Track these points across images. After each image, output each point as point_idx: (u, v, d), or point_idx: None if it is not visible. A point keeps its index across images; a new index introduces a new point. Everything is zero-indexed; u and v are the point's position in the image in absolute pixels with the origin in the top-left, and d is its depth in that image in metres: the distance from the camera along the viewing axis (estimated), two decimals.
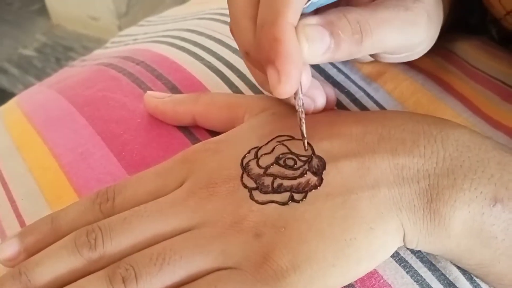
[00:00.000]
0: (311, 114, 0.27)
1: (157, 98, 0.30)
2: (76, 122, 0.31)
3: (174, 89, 0.32)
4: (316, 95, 0.26)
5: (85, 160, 0.29)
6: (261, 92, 0.31)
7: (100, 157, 0.29)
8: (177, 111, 0.29)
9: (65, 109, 0.32)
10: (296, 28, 0.22)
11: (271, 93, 0.22)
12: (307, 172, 0.23)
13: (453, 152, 0.23)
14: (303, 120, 0.24)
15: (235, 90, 0.31)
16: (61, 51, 1.24)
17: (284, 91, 0.21)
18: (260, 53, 0.22)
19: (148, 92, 0.30)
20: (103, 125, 0.30)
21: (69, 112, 0.32)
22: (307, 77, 0.24)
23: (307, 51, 0.22)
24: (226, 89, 0.31)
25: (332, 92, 0.28)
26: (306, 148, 0.24)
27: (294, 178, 0.23)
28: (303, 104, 0.24)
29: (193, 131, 0.29)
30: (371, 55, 0.27)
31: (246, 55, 0.24)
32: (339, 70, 0.32)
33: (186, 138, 0.29)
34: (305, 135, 0.24)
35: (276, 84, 0.21)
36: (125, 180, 0.25)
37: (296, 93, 0.23)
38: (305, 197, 0.22)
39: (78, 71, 0.38)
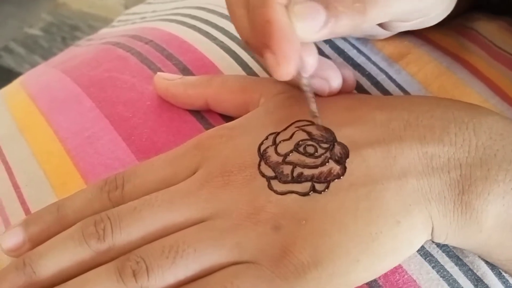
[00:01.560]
0: (330, 98, 0.25)
1: (168, 80, 0.28)
2: (82, 104, 0.29)
3: (185, 71, 0.30)
4: (331, 76, 0.25)
5: (92, 144, 0.27)
6: None
7: (108, 141, 0.27)
8: (188, 94, 0.28)
9: (70, 90, 0.31)
10: (287, 7, 0.20)
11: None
12: (329, 160, 0.21)
13: (486, 141, 0.21)
14: (313, 99, 0.23)
15: (249, 72, 0.30)
16: (67, 30, 1.22)
17: (285, 72, 0.20)
18: (256, 39, 0.21)
19: (159, 73, 0.29)
20: (110, 107, 0.29)
21: (74, 94, 0.30)
22: (312, 57, 0.22)
23: (300, 30, 0.20)
24: (240, 71, 0.30)
25: (350, 74, 0.26)
26: (321, 125, 0.23)
27: (316, 166, 0.21)
28: (308, 83, 0.23)
29: (205, 115, 0.28)
30: (380, 25, 0.25)
31: (247, 44, 0.23)
32: (359, 51, 0.31)
33: (198, 122, 0.28)
34: (316, 114, 0.23)
35: (275, 67, 0.20)
36: (135, 167, 0.24)
37: (299, 73, 0.22)
38: (327, 187, 0.21)
39: (84, 50, 0.37)
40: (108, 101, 0.29)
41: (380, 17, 0.21)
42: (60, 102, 0.30)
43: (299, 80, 0.23)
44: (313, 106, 0.23)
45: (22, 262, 0.21)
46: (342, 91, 0.25)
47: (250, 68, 0.30)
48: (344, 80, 0.25)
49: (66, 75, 0.32)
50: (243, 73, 0.30)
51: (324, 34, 0.21)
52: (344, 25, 0.21)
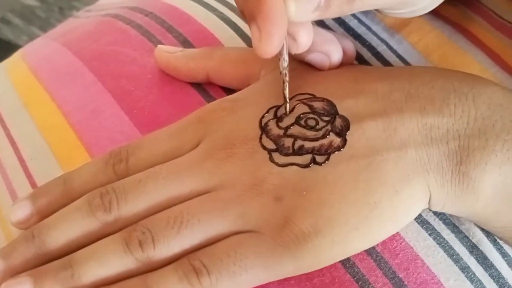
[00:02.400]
0: (332, 70, 0.25)
1: (169, 53, 0.28)
2: (84, 78, 0.30)
3: (186, 43, 0.30)
4: (331, 51, 0.25)
5: (95, 118, 0.28)
6: None
7: (111, 115, 0.28)
8: (190, 67, 0.28)
9: (72, 64, 0.31)
10: None
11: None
12: (330, 133, 0.22)
13: (485, 111, 0.22)
14: (287, 83, 0.23)
15: (251, 44, 0.29)
16: (64, 0, 1.21)
17: (265, 50, 0.20)
18: (247, 10, 0.21)
19: (159, 46, 0.29)
20: (112, 81, 0.29)
21: (76, 67, 0.30)
22: (307, 35, 0.22)
23: (295, 10, 0.20)
24: (240, 43, 0.30)
25: (351, 46, 0.26)
26: (288, 113, 0.23)
27: (316, 139, 0.22)
28: (287, 66, 0.23)
29: (207, 88, 0.28)
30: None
31: (241, 14, 0.23)
32: (360, 21, 0.31)
33: (200, 95, 0.28)
34: (287, 99, 0.23)
35: (257, 43, 0.20)
36: (139, 140, 0.24)
37: (280, 54, 0.22)
38: (327, 159, 0.21)
39: (83, 22, 0.36)
40: (110, 75, 0.29)
41: (366, 6, 0.22)
42: (62, 76, 0.30)
43: (279, 60, 0.23)
44: (286, 92, 0.23)
45: (31, 234, 0.22)
46: (343, 63, 0.25)
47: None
48: (344, 52, 0.25)
49: (67, 48, 0.32)
50: (244, 45, 0.30)
51: (315, 16, 0.21)
52: (332, 11, 0.21)
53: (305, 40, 0.22)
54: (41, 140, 0.28)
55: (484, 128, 0.21)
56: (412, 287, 0.22)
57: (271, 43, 0.20)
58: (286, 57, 0.22)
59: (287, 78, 0.23)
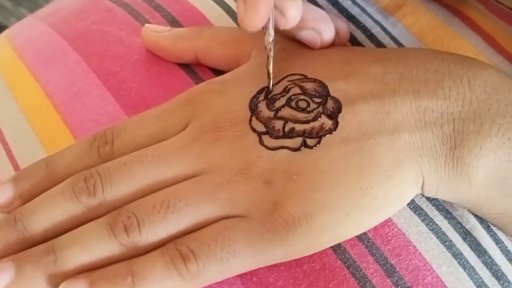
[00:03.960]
0: (324, 50, 0.24)
1: (156, 32, 0.27)
2: (69, 58, 0.29)
3: (174, 22, 0.29)
4: (323, 28, 0.24)
5: (80, 99, 0.27)
6: None
7: (96, 96, 0.27)
8: (178, 47, 0.27)
9: (57, 44, 0.30)
10: None
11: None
12: (321, 115, 0.21)
13: (480, 95, 0.21)
14: (271, 58, 0.22)
15: None
16: None
17: (250, 23, 0.20)
18: None
19: (147, 25, 0.28)
20: (98, 61, 0.28)
21: (61, 47, 0.29)
22: (295, 10, 0.21)
23: None
24: (230, 23, 0.29)
25: (344, 26, 0.25)
26: (271, 88, 0.22)
27: (307, 121, 0.21)
28: (272, 41, 0.22)
29: (195, 69, 0.27)
30: None
31: None
32: (354, 2, 0.30)
33: (188, 76, 0.27)
34: (271, 75, 0.22)
35: (242, 16, 0.20)
36: (124, 122, 0.23)
37: (266, 28, 0.22)
38: (318, 142, 0.21)
39: (70, 1, 0.35)
40: (96, 55, 0.28)
41: None
42: (47, 56, 0.29)
43: (264, 35, 0.22)
44: (270, 67, 0.22)
45: (13, 218, 0.21)
46: (336, 44, 0.25)
47: None
48: (337, 33, 0.24)
49: (52, 28, 0.31)
50: (234, 24, 0.29)
51: None
52: None
53: (294, 14, 0.21)
54: (25, 122, 0.27)
55: (479, 111, 0.21)
56: (404, 274, 0.21)
57: (256, 16, 0.19)
58: (271, 31, 0.22)
59: (271, 54, 0.22)
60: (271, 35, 0.22)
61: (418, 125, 0.21)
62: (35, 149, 0.26)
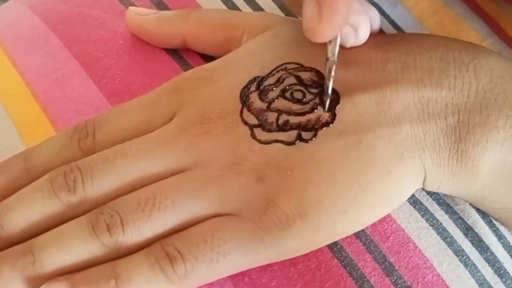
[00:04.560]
0: None
1: (141, 16, 0.26)
2: (50, 43, 0.27)
3: (160, 5, 0.28)
4: (360, 23, 0.21)
5: (61, 87, 0.25)
6: (262, 9, 0.27)
7: (78, 84, 0.25)
8: (164, 31, 0.25)
9: (37, 28, 0.28)
10: None
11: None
12: (318, 106, 0.20)
13: (486, 84, 0.20)
14: (333, 73, 0.19)
15: (231, 6, 0.28)
16: None
17: (323, 32, 0.17)
18: None
19: (131, 8, 0.26)
20: (80, 46, 0.26)
21: (41, 32, 0.28)
22: (367, 28, 0.19)
23: None
24: (220, 5, 0.28)
25: (377, 17, 0.23)
26: (329, 112, 0.20)
27: (303, 113, 0.20)
28: (338, 52, 0.19)
29: (183, 54, 0.26)
30: None
31: None
32: None
33: (176, 63, 0.26)
34: (329, 94, 0.20)
35: (315, 23, 0.17)
36: (107, 112, 0.22)
37: (334, 40, 0.19)
38: (314, 136, 0.19)
39: None
40: (78, 40, 0.27)
41: None
42: (26, 42, 0.28)
43: (327, 48, 0.19)
44: (331, 83, 0.19)
45: None
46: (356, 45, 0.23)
47: (232, 2, 0.28)
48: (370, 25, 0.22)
49: (33, 12, 0.29)
50: (223, 7, 0.28)
51: None
52: None
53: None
54: (2, 112, 0.25)
55: (486, 102, 0.20)
56: (403, 272, 0.20)
57: (332, 23, 0.16)
58: (339, 41, 0.19)
59: (334, 67, 0.19)
60: (337, 45, 0.19)
61: (421, 116, 0.20)
62: (13, 141, 0.24)
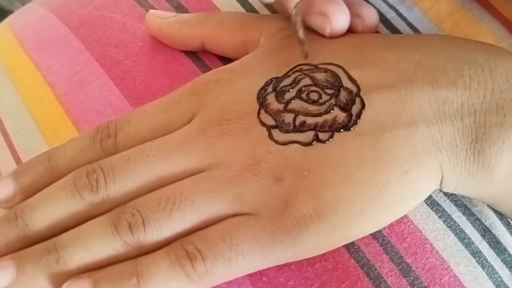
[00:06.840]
0: (336, 38, 0.23)
1: (161, 19, 0.26)
2: (71, 46, 0.28)
3: (179, 8, 0.28)
4: (331, 12, 0.22)
5: (82, 89, 0.26)
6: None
7: (99, 86, 0.26)
8: (183, 33, 0.26)
9: (58, 31, 0.29)
10: None
11: None
12: (334, 107, 0.20)
13: (502, 84, 0.20)
14: (300, 23, 0.20)
15: (249, 8, 0.28)
16: None
17: None
18: None
19: (151, 11, 0.27)
20: (101, 49, 0.27)
21: (63, 34, 0.29)
22: (373, 13, 0.21)
23: None
24: (238, 8, 0.28)
25: (372, 11, 0.24)
26: (307, 56, 0.21)
27: (319, 114, 0.20)
28: (298, 2, 0.20)
29: (202, 57, 0.26)
30: None
31: None
32: None
33: (195, 65, 0.26)
34: (304, 41, 0.21)
35: None
36: (128, 114, 0.23)
37: None
38: (331, 136, 0.20)
39: None
40: (99, 43, 0.27)
41: None
42: (48, 44, 0.28)
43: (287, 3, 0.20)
44: (300, 32, 0.20)
45: (14, 215, 0.21)
46: (361, 32, 0.23)
47: (250, 5, 0.28)
48: (362, 18, 0.23)
49: (53, 14, 0.30)
50: (242, 10, 0.28)
51: None
52: None
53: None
54: (26, 113, 0.26)
55: (502, 102, 0.20)
56: (420, 273, 0.20)
57: None
58: None
59: (299, 18, 0.20)
60: None
61: (437, 117, 0.20)
62: (37, 141, 0.25)
